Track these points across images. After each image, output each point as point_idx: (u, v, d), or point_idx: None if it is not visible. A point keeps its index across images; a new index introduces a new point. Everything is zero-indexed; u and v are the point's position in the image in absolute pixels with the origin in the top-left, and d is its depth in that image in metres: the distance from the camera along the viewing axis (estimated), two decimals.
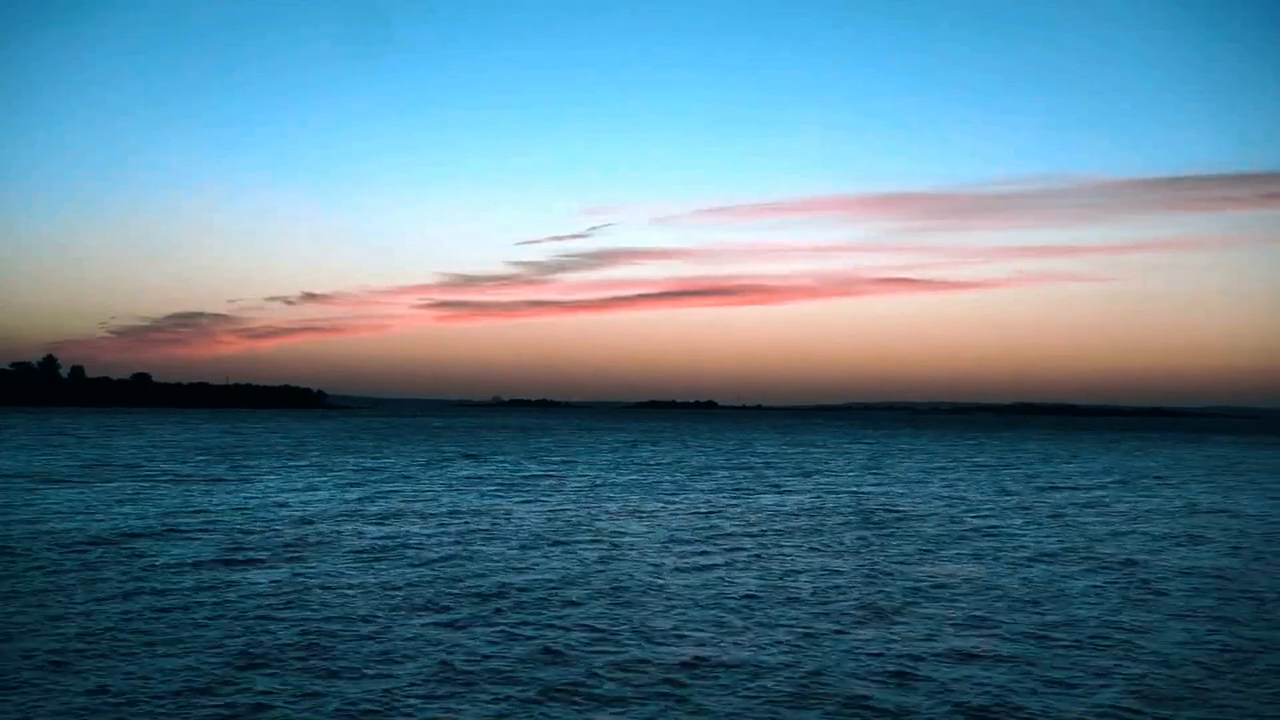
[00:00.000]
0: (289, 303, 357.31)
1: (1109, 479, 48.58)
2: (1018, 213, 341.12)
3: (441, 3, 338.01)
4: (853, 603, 16.87)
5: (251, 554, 20.86)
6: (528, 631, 14.41)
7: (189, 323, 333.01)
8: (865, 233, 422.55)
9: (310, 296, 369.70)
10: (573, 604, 16.44)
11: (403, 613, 15.51)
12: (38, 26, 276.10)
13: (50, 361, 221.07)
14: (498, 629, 14.57)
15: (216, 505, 30.09)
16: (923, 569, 20.41)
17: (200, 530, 24.36)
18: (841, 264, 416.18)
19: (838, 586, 18.35)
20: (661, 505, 32.48)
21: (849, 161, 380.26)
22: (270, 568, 19.34)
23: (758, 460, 60.95)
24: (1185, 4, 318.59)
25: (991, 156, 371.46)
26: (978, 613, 16.23)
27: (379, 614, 15.35)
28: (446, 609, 15.87)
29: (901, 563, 21.17)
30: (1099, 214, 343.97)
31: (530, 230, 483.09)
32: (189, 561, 19.79)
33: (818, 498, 35.93)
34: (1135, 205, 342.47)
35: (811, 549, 22.98)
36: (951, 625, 15.24)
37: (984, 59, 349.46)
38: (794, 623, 15.26)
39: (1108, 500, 37.16)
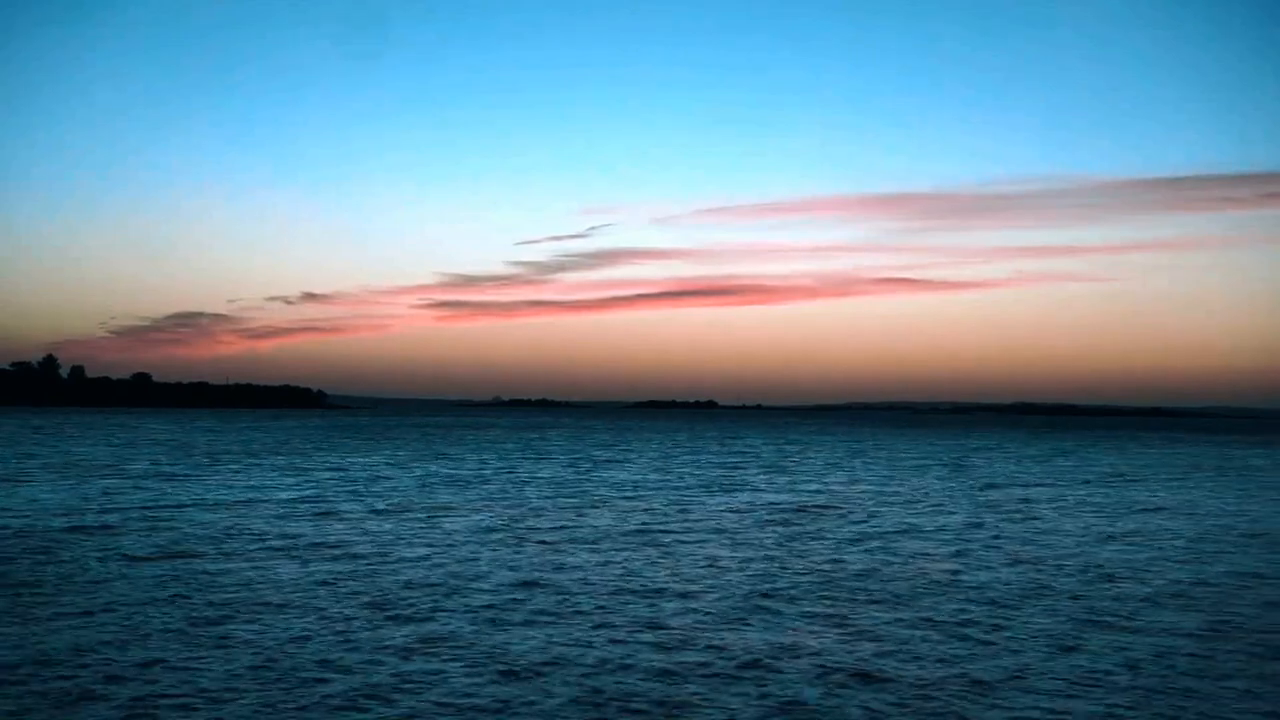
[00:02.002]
0: (289, 303, 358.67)
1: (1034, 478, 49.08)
2: (1018, 213, 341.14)
3: (441, 3, 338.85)
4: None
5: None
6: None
7: (189, 323, 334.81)
8: (865, 233, 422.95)
9: (310, 296, 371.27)
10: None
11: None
12: (38, 26, 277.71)
13: (50, 361, 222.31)
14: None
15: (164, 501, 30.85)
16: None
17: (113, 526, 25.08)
18: (841, 264, 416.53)
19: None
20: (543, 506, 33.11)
21: (849, 161, 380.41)
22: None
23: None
24: (1185, 4, 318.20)
25: (991, 156, 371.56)
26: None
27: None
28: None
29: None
30: (1099, 214, 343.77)
31: (530, 230, 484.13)
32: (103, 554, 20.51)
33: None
34: (1135, 205, 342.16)
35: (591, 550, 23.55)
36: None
37: (984, 59, 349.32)
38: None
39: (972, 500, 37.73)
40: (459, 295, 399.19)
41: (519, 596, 16.83)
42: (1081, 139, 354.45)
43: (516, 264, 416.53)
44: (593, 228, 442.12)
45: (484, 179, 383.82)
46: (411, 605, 15.93)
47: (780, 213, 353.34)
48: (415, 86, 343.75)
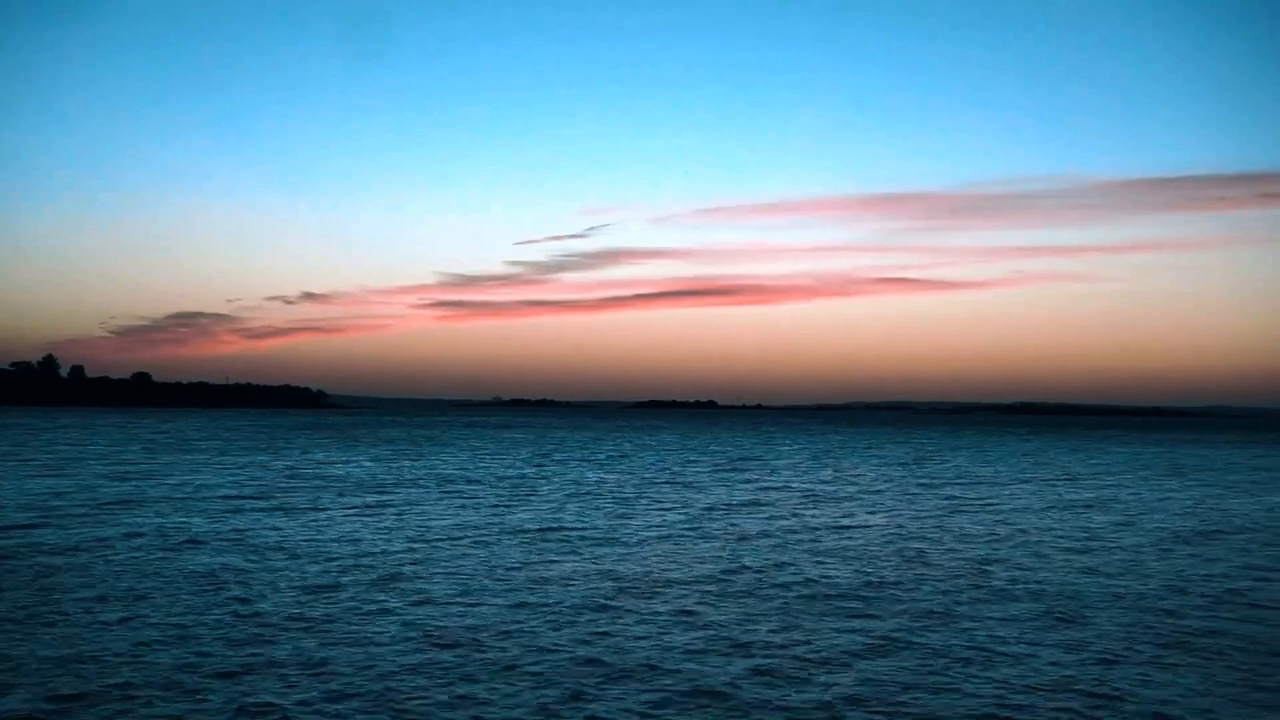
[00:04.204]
0: (288, 302, 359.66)
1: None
2: (1018, 213, 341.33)
3: (441, 2, 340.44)
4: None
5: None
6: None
7: (189, 322, 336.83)
8: (865, 233, 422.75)
9: (310, 296, 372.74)
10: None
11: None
12: (37, 26, 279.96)
13: (50, 361, 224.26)
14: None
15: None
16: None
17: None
18: (841, 264, 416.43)
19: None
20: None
21: (849, 161, 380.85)
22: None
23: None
24: (1185, 4, 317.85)
25: (991, 156, 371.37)
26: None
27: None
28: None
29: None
30: (1099, 214, 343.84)
31: (529, 230, 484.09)
32: None
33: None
34: (1135, 205, 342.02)
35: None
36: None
37: (984, 58, 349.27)
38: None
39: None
40: (459, 295, 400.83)
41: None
42: (1081, 139, 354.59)
43: (516, 264, 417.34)
44: (592, 228, 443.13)
45: (484, 179, 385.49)
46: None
47: (780, 213, 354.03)
48: (415, 86, 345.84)
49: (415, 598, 16.57)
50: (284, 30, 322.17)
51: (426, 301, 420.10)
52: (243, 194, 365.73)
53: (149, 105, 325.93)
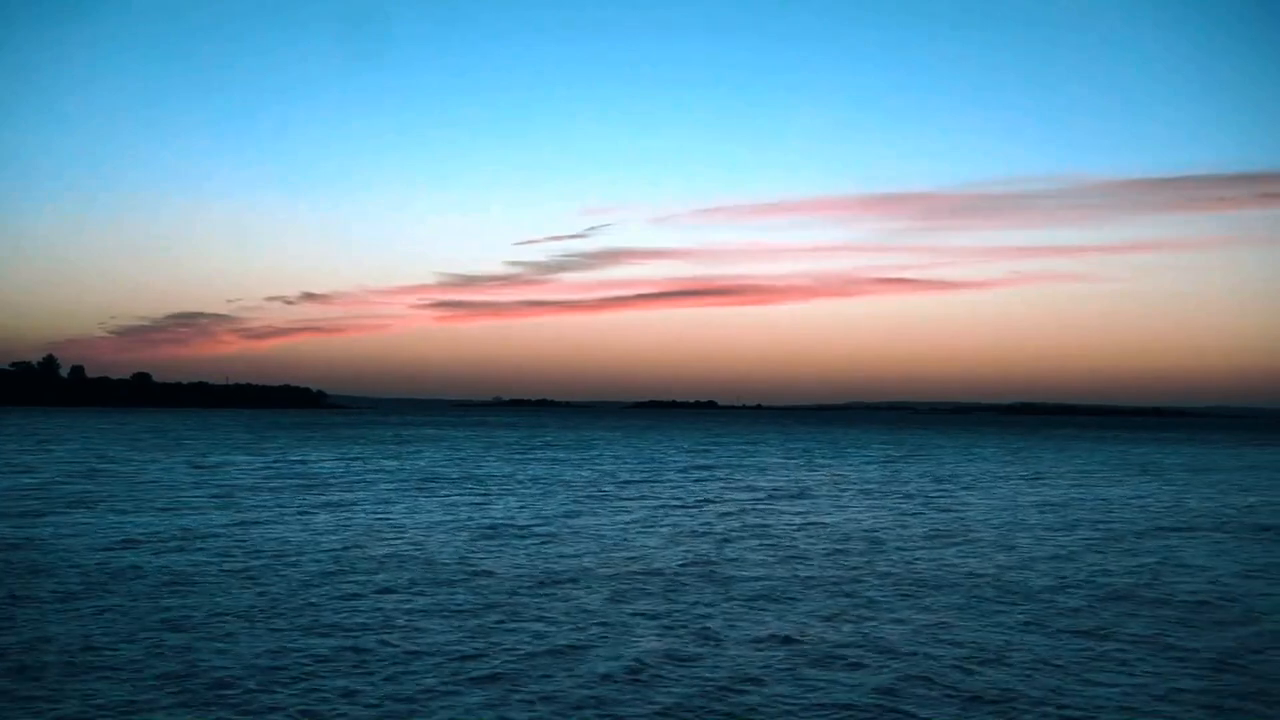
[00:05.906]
0: (288, 302, 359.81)
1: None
2: (1018, 213, 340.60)
3: (441, 2, 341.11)
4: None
5: None
6: None
7: (189, 323, 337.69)
8: (865, 233, 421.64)
9: (310, 296, 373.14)
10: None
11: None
12: (37, 26, 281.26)
13: (50, 361, 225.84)
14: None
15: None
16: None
17: None
18: (841, 264, 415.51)
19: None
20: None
21: (849, 161, 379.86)
22: None
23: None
24: (1185, 4, 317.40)
25: (991, 156, 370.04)
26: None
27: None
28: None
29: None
30: (1099, 214, 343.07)
31: (529, 230, 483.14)
32: None
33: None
34: (1135, 205, 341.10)
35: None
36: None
37: (984, 58, 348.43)
38: None
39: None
40: (459, 295, 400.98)
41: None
42: (1081, 139, 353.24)
43: (516, 264, 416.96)
44: (592, 228, 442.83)
45: (484, 179, 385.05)
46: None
47: (780, 213, 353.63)
48: (415, 86, 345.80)
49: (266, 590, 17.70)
50: (284, 30, 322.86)
51: (426, 301, 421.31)
52: (243, 194, 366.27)
53: (149, 105, 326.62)
